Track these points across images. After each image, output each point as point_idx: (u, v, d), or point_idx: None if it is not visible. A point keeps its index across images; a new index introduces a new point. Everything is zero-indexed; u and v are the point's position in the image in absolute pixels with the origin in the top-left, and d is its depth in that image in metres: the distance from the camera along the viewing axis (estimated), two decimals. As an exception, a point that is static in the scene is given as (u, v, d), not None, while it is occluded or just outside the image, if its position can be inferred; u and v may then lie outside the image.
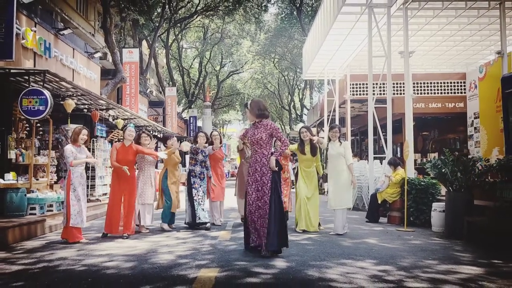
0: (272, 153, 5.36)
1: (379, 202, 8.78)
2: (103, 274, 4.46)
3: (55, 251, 5.81)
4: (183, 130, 30.27)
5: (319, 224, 7.50)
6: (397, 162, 9.09)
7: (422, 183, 8.24)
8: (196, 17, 27.56)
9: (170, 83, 30.98)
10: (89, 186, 11.35)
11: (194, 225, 7.55)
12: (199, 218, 7.46)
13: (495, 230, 5.85)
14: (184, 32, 30.99)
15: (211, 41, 33.37)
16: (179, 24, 27.30)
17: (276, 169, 5.25)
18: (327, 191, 7.43)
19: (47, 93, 7.92)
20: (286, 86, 37.43)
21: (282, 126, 45.00)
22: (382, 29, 10.75)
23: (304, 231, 7.17)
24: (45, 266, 4.89)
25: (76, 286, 4.04)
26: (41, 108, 7.90)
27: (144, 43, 24.31)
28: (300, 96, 36.89)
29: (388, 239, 6.65)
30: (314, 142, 7.30)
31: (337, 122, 18.53)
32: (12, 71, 8.02)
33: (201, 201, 7.55)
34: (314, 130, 7.29)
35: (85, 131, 6.76)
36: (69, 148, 6.53)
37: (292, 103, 37.83)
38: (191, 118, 31.71)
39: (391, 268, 4.59)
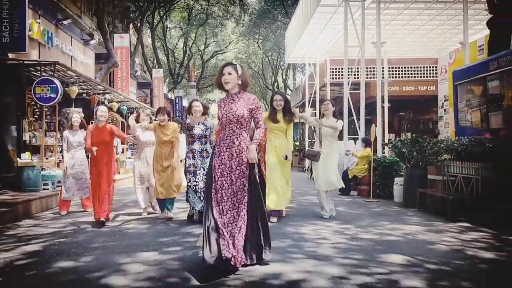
0: (250, 137, 4.22)
1: (350, 177, 10.04)
2: (126, 232, 5.63)
3: (76, 218, 6.95)
4: (170, 110, 31.12)
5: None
6: (368, 141, 10.29)
7: (387, 160, 9.50)
8: (181, -1, 28.18)
9: (156, 63, 31.62)
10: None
11: (191, 219, 6.48)
12: (193, 209, 6.28)
13: (440, 199, 7.18)
14: (168, 12, 31.49)
15: (196, 22, 33.97)
16: (163, 5, 27.86)
17: (256, 161, 4.07)
18: (310, 169, 7.11)
19: (57, 82, 8.90)
20: (270, 66, 38.35)
21: (266, 105, 46.08)
22: (357, 19, 11.83)
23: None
24: (74, 228, 6.03)
25: (108, 240, 5.19)
26: (52, 95, 8.88)
27: (131, 26, 24.93)
28: (284, 77, 37.88)
29: (355, 207, 7.93)
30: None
31: (317, 104, 19.81)
32: (25, 62, 8.94)
33: (199, 188, 6.09)
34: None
35: (75, 115, 7.65)
36: (64, 134, 7.64)
37: (276, 83, 38.82)
38: (177, 98, 32.49)
39: (351, 226, 5.88)
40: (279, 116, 6.44)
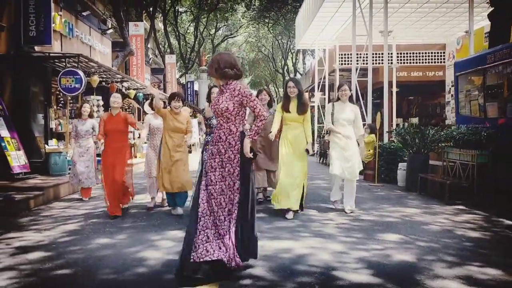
0: (242, 132, 3.82)
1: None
2: (153, 213, 6.28)
3: (102, 201, 7.60)
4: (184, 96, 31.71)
5: (302, 206, 6.17)
6: (372, 127, 10.74)
7: (392, 146, 10.01)
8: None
9: (167, 48, 32.09)
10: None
11: None
12: None
13: (439, 183, 7.71)
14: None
15: (207, 7, 34.25)
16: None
17: (251, 155, 3.74)
18: (320, 153, 6.51)
19: (81, 73, 9.50)
20: (280, 50, 38.61)
21: (276, 89, 46.46)
22: (366, 7, 12.18)
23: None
24: (103, 210, 6.67)
25: (136, 221, 5.83)
26: (76, 86, 9.49)
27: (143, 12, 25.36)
28: (293, 61, 38.14)
29: (360, 191, 8.44)
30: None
31: (326, 89, 20.25)
32: (51, 54, 9.54)
33: None
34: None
35: (85, 104, 7.96)
36: (73, 123, 7.94)
37: (286, 67, 39.13)
38: (189, 83, 33.06)
39: (355, 209, 6.42)
40: (293, 105, 5.99)
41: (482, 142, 7.16)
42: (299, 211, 6.09)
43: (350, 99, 6.41)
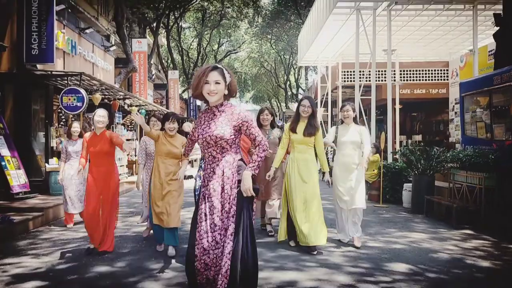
0: (241, 161, 3.27)
1: (361, 182, 10.41)
2: (152, 238, 6.13)
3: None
4: (184, 110, 31.75)
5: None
6: (377, 147, 10.61)
7: (397, 167, 9.86)
8: (196, 0, 28.66)
9: (170, 63, 32.19)
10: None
11: None
12: None
13: (446, 206, 7.56)
14: (183, 13, 32.02)
15: (210, 23, 34.46)
16: (178, 5, 28.33)
17: (251, 193, 3.09)
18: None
19: (83, 91, 9.43)
20: (282, 65, 38.71)
21: (278, 103, 46.49)
22: (369, 26, 12.14)
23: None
24: (103, 233, 6.53)
25: (136, 246, 5.68)
26: (78, 104, 9.41)
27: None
28: (296, 76, 38.22)
29: (365, 213, 8.22)
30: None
31: (329, 105, 20.18)
32: (53, 73, 9.49)
33: None
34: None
35: (75, 124, 7.28)
36: (63, 144, 7.32)
37: (288, 82, 39.18)
38: (191, 98, 33.05)
39: (361, 235, 6.26)
40: (301, 125, 5.42)
41: (490, 165, 7.02)
42: (314, 252, 5.28)
43: (355, 120, 5.83)
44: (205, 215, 3.18)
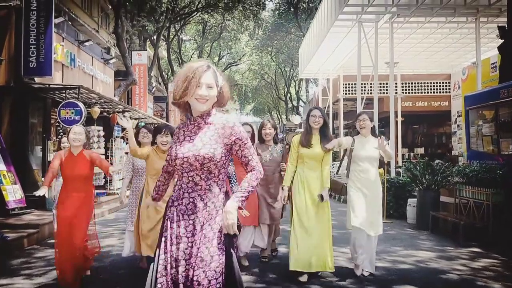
0: (226, 192, 2.50)
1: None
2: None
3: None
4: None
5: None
6: (381, 161, 10.43)
7: (400, 181, 9.67)
8: (197, 13, 28.74)
9: (171, 75, 32.16)
10: (108, 181, 12.74)
11: None
12: None
13: (452, 223, 7.35)
14: (184, 26, 32.12)
15: (210, 36, 34.53)
16: (179, 18, 28.42)
17: (235, 231, 2.30)
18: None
19: (81, 105, 9.27)
20: (283, 77, 38.71)
21: (279, 116, 46.39)
22: (371, 38, 12.04)
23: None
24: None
25: (131, 267, 5.48)
26: (76, 118, 9.24)
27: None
28: (296, 89, 38.18)
29: (369, 229, 8.12)
30: (330, 147, 4.71)
31: (331, 117, 20.04)
32: (51, 86, 9.35)
33: None
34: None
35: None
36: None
37: (289, 95, 39.13)
38: (191, 110, 32.90)
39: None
40: (315, 139, 4.80)
41: (497, 180, 6.84)
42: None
43: (373, 131, 5.09)
44: (171, 267, 2.39)
